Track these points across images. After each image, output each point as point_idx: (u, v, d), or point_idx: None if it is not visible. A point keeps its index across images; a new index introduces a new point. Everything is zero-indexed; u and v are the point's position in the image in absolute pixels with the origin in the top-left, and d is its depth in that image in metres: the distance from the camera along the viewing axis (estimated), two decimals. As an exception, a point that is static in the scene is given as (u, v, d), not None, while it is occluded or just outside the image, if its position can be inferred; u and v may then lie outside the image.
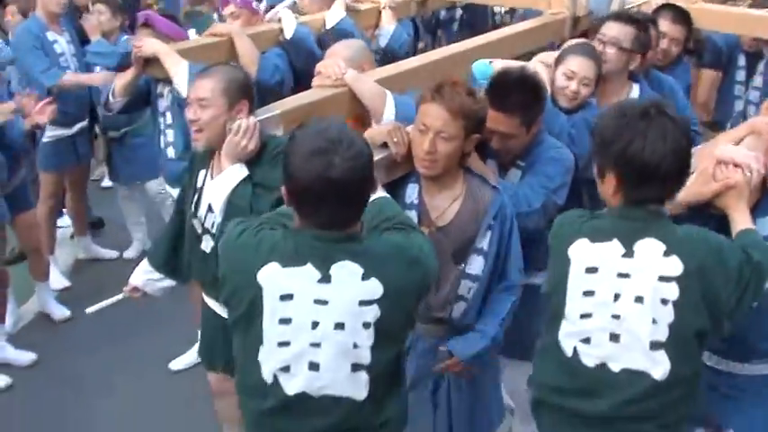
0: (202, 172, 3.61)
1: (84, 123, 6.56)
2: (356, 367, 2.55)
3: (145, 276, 3.99)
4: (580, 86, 4.02)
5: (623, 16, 4.42)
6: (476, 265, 3.32)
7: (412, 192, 3.36)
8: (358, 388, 2.58)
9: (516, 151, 3.62)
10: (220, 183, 3.42)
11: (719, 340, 2.86)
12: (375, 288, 2.51)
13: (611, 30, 4.27)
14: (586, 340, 2.71)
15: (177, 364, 5.58)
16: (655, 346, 2.61)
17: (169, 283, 4.00)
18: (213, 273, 3.19)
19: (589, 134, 3.16)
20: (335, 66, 3.88)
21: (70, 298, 6.43)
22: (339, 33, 5.38)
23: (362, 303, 2.50)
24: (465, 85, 3.26)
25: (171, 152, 5.07)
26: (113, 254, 7.25)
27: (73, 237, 7.34)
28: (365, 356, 2.55)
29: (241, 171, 3.40)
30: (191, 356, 5.51)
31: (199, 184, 3.61)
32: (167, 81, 4.76)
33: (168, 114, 5.02)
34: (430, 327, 3.40)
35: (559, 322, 2.77)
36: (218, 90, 3.45)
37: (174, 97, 4.88)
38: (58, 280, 6.62)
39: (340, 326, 2.50)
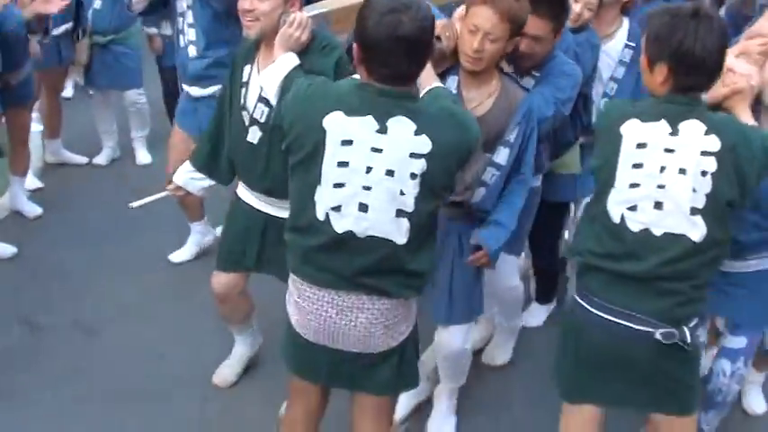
0: (247, 67, 3.83)
1: (68, 25, 6.60)
2: (400, 213, 2.88)
3: (187, 176, 4.14)
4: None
5: None
6: (502, 155, 3.65)
7: (451, 83, 3.62)
8: (400, 233, 2.91)
9: (539, 57, 3.86)
10: (274, 70, 3.59)
11: None
12: (425, 143, 2.83)
13: None
14: (633, 208, 3.02)
15: (177, 257, 5.88)
16: (694, 211, 2.94)
17: (209, 182, 4.15)
18: (261, 164, 3.78)
19: (641, 31, 3.48)
20: None
21: (39, 199, 6.60)
22: None
23: (412, 156, 2.83)
24: None
25: (192, 50, 5.04)
26: (83, 159, 7.30)
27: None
28: (409, 204, 2.88)
29: (294, 59, 3.58)
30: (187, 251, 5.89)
31: (244, 79, 3.82)
32: None
33: (189, 14, 5.00)
34: (448, 209, 3.65)
35: (607, 193, 3.06)
36: None
37: None
38: (30, 180, 6.71)
39: (390, 173, 2.84)
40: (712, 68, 2.94)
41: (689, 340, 3.03)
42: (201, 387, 4.58)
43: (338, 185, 2.85)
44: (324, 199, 2.88)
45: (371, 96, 2.84)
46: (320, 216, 2.90)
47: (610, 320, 3.07)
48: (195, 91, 5.09)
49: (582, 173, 4.64)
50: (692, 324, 3.07)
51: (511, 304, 4.65)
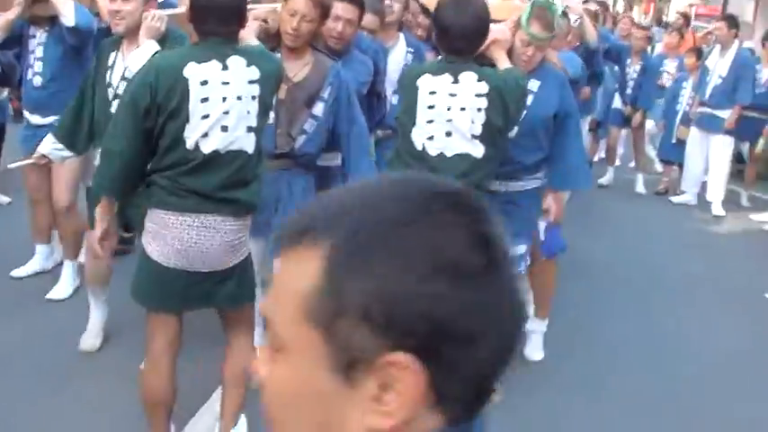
0: (113, 54, 4.81)
1: None
2: (249, 129, 3.82)
3: (51, 146, 4.89)
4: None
5: None
6: (318, 108, 4.65)
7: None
8: (250, 144, 3.84)
9: (347, 39, 5.07)
10: (141, 53, 4.45)
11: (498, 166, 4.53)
12: (255, 72, 3.81)
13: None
14: (430, 138, 4.31)
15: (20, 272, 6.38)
16: (474, 137, 4.28)
17: (69, 153, 4.92)
18: None
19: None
20: None
21: None
22: None
23: (250, 82, 3.80)
24: None
25: (38, 81, 5.92)
26: None
27: None
28: (253, 120, 3.83)
29: (155, 45, 4.53)
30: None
31: (110, 63, 4.79)
32: (46, 23, 5.86)
33: (40, 49, 5.92)
34: (274, 161, 4.56)
35: (410, 131, 4.33)
36: None
37: (53, 36, 5.86)
38: None
39: (239, 98, 3.77)
40: (470, 38, 4.26)
41: None
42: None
43: (204, 117, 3.69)
44: (194, 131, 3.69)
45: (210, 45, 3.75)
46: (190, 146, 3.70)
47: None
48: (36, 119, 5.97)
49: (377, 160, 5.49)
50: None
51: None
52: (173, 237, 3.72)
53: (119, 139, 3.73)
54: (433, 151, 4.28)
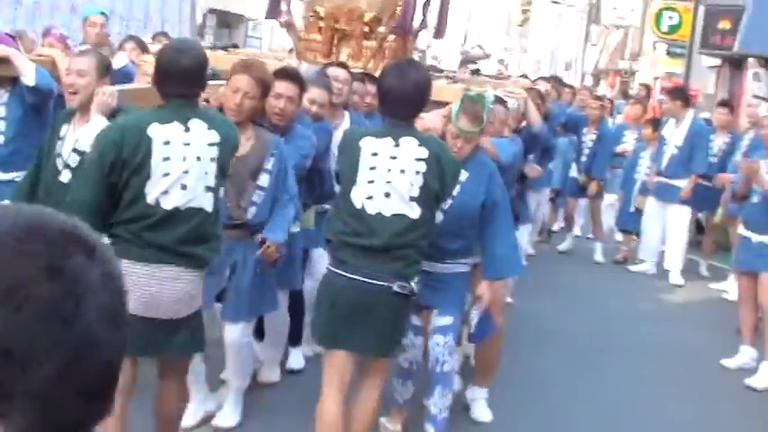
0: (65, 126, 4.89)
1: None
2: (207, 188, 4.09)
3: None
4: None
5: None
6: (263, 179, 4.91)
7: None
8: (208, 203, 4.10)
9: (289, 115, 5.33)
10: (91, 127, 4.64)
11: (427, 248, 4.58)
12: (215, 135, 4.10)
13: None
14: (370, 197, 4.37)
15: None
16: (412, 199, 4.36)
17: None
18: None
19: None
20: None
21: None
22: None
23: (210, 144, 4.09)
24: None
25: (0, 139, 6.09)
26: None
27: None
28: (212, 181, 4.10)
29: (104, 121, 4.65)
30: None
31: (62, 134, 4.87)
32: (8, 84, 6.02)
33: (3, 109, 6.09)
34: (230, 232, 4.74)
35: (351, 190, 4.39)
36: (93, 65, 4.87)
37: (14, 96, 6.03)
38: None
39: (198, 159, 4.05)
40: (410, 103, 4.43)
41: (414, 290, 4.40)
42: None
43: (165, 174, 3.98)
44: (154, 188, 3.97)
45: (173, 108, 4.08)
46: (151, 202, 3.98)
47: (361, 280, 4.31)
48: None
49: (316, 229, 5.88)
50: (416, 280, 4.42)
51: (278, 330, 5.79)
52: (132, 285, 3.82)
53: (85, 191, 4.07)
54: (371, 210, 4.37)
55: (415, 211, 4.36)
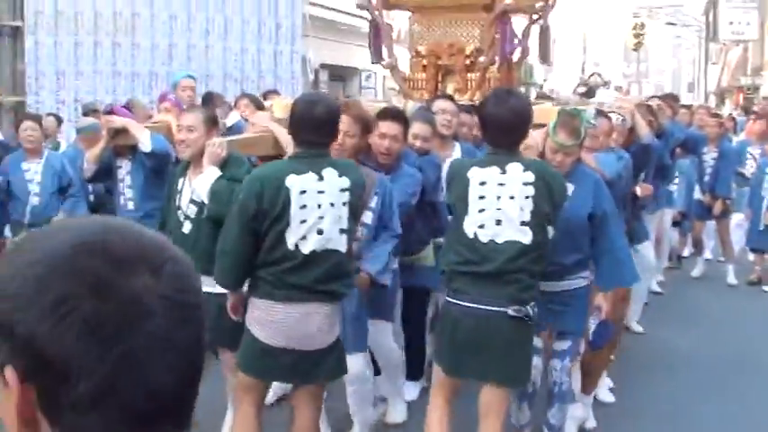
0: (181, 180, 5.26)
1: None
2: (342, 231, 4.38)
3: None
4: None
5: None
6: (367, 217, 5.02)
7: None
8: (343, 244, 4.40)
9: (394, 154, 5.52)
10: (205, 177, 5.04)
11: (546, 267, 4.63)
12: (346, 181, 4.39)
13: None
14: (481, 226, 4.46)
15: None
16: (523, 224, 4.41)
17: None
18: (191, 248, 4.77)
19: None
20: (264, 122, 6.26)
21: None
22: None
23: (341, 190, 4.37)
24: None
25: (130, 205, 6.66)
26: None
27: None
28: (345, 224, 4.39)
29: (216, 171, 5.07)
30: None
31: (179, 188, 5.24)
32: (129, 153, 6.62)
33: (128, 178, 6.68)
34: None
35: (463, 220, 4.49)
36: (200, 120, 5.22)
37: (135, 163, 6.59)
38: None
39: (332, 204, 4.33)
40: (510, 131, 4.51)
41: (531, 314, 4.41)
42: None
43: (303, 221, 4.29)
44: (294, 234, 4.28)
45: (307, 159, 4.37)
46: (291, 247, 4.29)
47: (477, 308, 4.42)
48: None
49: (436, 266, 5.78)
50: (531, 304, 4.43)
51: (391, 364, 5.74)
52: (280, 322, 4.33)
53: (229, 241, 4.40)
54: (483, 239, 4.47)
55: (527, 236, 4.43)
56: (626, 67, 70.29)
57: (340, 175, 4.39)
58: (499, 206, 4.44)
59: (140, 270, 1.03)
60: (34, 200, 7.64)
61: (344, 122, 4.90)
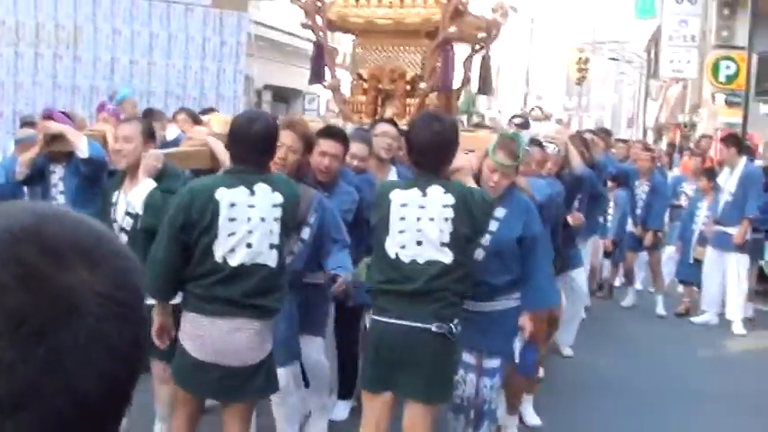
0: (115, 192, 5.28)
1: None
2: (272, 246, 4.40)
3: None
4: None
5: None
6: (305, 233, 5.16)
7: None
8: (272, 259, 4.40)
9: (333, 172, 5.65)
10: (140, 189, 5.05)
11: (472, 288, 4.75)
12: (278, 197, 4.41)
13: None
14: (403, 246, 4.57)
15: None
16: (443, 245, 4.51)
17: None
18: None
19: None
20: (202, 135, 6.25)
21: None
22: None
23: (274, 206, 4.41)
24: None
25: None
26: None
27: None
28: (276, 239, 4.41)
29: (152, 183, 5.09)
30: None
31: (113, 200, 5.27)
32: (63, 159, 6.62)
33: (61, 183, 6.70)
34: None
35: (384, 241, 4.60)
36: (138, 131, 5.26)
37: (69, 169, 6.58)
38: None
39: (262, 219, 4.37)
40: (433, 154, 4.61)
41: (454, 332, 4.51)
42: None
43: (231, 234, 4.32)
44: (221, 247, 4.32)
45: (240, 175, 4.43)
46: (219, 260, 4.32)
47: (400, 324, 4.52)
48: None
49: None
50: (455, 322, 4.52)
51: (317, 376, 5.63)
52: (208, 336, 4.35)
53: (159, 250, 4.41)
54: (405, 259, 4.57)
55: (447, 256, 4.52)
56: (567, 100, 71.13)
57: (273, 191, 4.43)
58: (419, 227, 4.55)
59: (76, 263, 0.95)
60: None
61: (289, 138, 5.04)
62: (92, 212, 5.63)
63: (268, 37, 19.29)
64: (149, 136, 5.34)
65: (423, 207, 4.56)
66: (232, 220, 4.33)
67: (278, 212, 4.44)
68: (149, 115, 8.48)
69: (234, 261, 4.34)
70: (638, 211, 11.22)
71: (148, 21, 13.07)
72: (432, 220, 4.53)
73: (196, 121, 7.98)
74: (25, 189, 7.53)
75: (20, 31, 12.69)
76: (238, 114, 4.91)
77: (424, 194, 4.57)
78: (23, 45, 12.72)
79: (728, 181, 10.38)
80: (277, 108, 23.25)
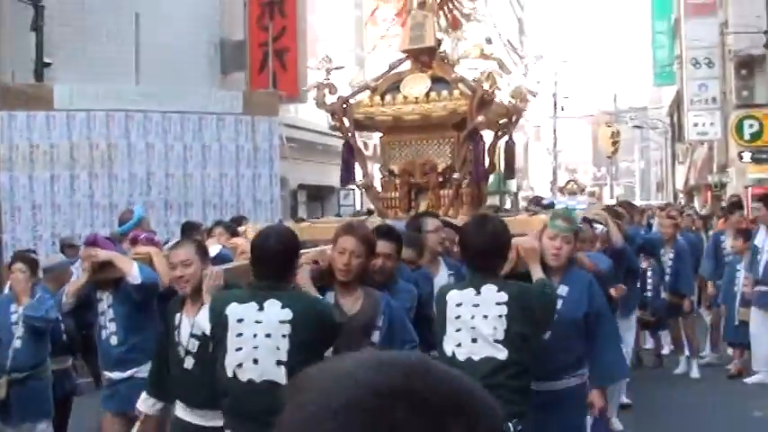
0: (177, 315, 5.24)
1: None
2: (279, 363, 4.37)
3: (146, 402, 5.43)
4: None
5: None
6: (375, 336, 5.03)
7: (330, 296, 5.07)
8: (281, 376, 4.34)
9: (389, 272, 5.51)
10: (207, 310, 4.87)
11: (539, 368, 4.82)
12: (287, 313, 4.41)
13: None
14: (458, 345, 4.67)
15: None
16: (497, 341, 4.57)
17: (161, 403, 5.44)
18: (194, 383, 5.01)
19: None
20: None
21: None
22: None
23: (281, 322, 4.41)
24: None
25: (114, 340, 6.36)
26: None
27: None
28: (284, 356, 4.38)
29: None
30: None
31: (176, 323, 5.22)
32: (110, 286, 6.36)
33: (110, 311, 6.39)
34: None
35: (442, 340, 4.72)
36: (193, 252, 5.26)
37: (118, 296, 6.31)
38: None
39: (268, 335, 4.40)
40: (488, 255, 4.74)
41: (512, 431, 4.44)
42: None
43: (238, 349, 4.42)
44: (230, 362, 4.43)
45: (252, 290, 4.57)
46: (230, 374, 4.44)
47: None
48: (116, 375, 6.34)
49: None
50: (515, 421, 4.46)
51: None
52: None
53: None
54: (461, 357, 4.65)
55: (502, 353, 4.58)
56: (596, 170, 71.27)
57: (283, 307, 4.46)
58: (473, 325, 4.65)
59: (453, 424, 0.87)
60: (17, 343, 7.30)
61: (351, 244, 5.00)
62: (145, 338, 5.81)
63: (298, 138, 19.62)
64: (204, 254, 5.36)
65: (477, 305, 4.67)
66: (239, 335, 4.45)
67: (286, 329, 4.43)
68: (188, 229, 8.61)
69: (243, 377, 4.45)
70: (667, 278, 11.21)
71: (181, 133, 13.26)
72: (485, 317, 4.63)
73: (233, 233, 7.95)
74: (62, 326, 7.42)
75: (54, 154, 12.81)
76: (259, 231, 5.03)
77: (478, 293, 4.70)
78: (59, 167, 12.81)
79: (767, 242, 10.39)
80: (313, 207, 23.46)
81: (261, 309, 4.46)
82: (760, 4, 19.28)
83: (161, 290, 6.18)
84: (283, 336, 4.42)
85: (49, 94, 12.69)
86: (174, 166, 13.28)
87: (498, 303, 4.63)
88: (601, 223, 6.94)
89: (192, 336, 5.12)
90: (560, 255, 5.22)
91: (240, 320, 4.45)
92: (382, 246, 5.48)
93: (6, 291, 7.72)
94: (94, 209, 12.92)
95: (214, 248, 7.65)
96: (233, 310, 4.49)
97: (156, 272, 6.28)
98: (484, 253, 4.76)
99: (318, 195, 25.13)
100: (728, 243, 11.98)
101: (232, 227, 8.41)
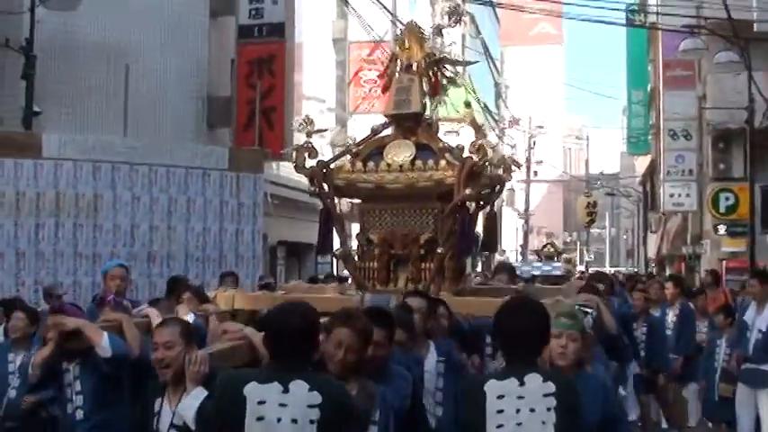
0: (158, 400, 4.82)
1: None
2: None
3: None
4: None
5: None
6: (373, 430, 4.64)
7: None
8: None
9: (380, 359, 5.07)
10: (191, 400, 4.61)
11: None
12: (316, 397, 4.07)
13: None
14: None
15: None
16: None
17: None
18: None
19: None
20: (236, 327, 5.64)
21: None
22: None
23: (309, 406, 4.06)
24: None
25: (79, 414, 5.86)
26: None
27: None
28: None
29: (203, 391, 4.60)
30: None
31: (156, 409, 4.80)
32: (77, 356, 5.86)
33: (77, 383, 5.89)
34: None
35: None
36: (177, 333, 4.84)
37: (86, 367, 5.84)
38: None
39: (294, 421, 4.04)
40: (530, 340, 4.38)
41: None
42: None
43: None
44: None
45: (275, 369, 4.16)
46: None
47: None
48: None
49: None
50: None
51: None
52: None
53: None
54: None
55: None
56: (566, 235, 71.74)
57: (310, 390, 4.11)
58: (519, 420, 4.21)
59: None
60: (12, 393, 7.27)
61: (347, 336, 4.61)
62: (114, 416, 5.47)
63: (279, 194, 19.66)
64: (190, 336, 4.94)
65: (521, 397, 4.24)
66: (260, 419, 4.05)
67: (314, 414, 4.08)
68: (175, 285, 8.39)
69: None
70: (642, 354, 10.88)
71: (167, 186, 13.27)
72: (532, 411, 4.21)
73: (202, 299, 7.51)
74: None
75: (40, 202, 12.76)
76: (275, 307, 4.56)
77: (522, 383, 4.26)
78: (44, 215, 12.77)
79: (758, 319, 10.39)
80: (290, 263, 23.41)
81: (286, 390, 4.08)
82: (739, 79, 19.62)
83: (131, 360, 5.79)
84: (311, 421, 4.07)
85: (39, 142, 12.64)
86: (159, 218, 13.21)
87: (546, 395, 4.23)
88: (590, 308, 6.47)
89: (173, 426, 4.73)
90: (566, 353, 4.90)
91: (261, 402, 4.05)
92: (375, 334, 4.99)
93: (1, 338, 7.67)
94: (77, 258, 12.85)
95: (183, 314, 7.20)
96: (252, 390, 4.07)
97: (127, 341, 5.94)
98: (524, 339, 4.37)
99: (297, 252, 25.11)
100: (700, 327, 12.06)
101: (200, 292, 7.94)
